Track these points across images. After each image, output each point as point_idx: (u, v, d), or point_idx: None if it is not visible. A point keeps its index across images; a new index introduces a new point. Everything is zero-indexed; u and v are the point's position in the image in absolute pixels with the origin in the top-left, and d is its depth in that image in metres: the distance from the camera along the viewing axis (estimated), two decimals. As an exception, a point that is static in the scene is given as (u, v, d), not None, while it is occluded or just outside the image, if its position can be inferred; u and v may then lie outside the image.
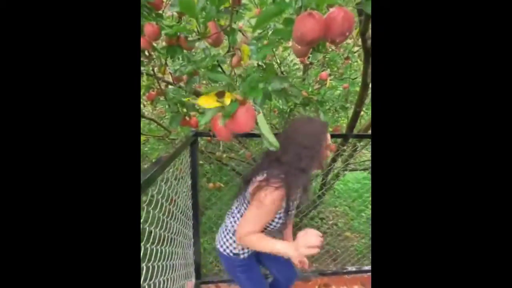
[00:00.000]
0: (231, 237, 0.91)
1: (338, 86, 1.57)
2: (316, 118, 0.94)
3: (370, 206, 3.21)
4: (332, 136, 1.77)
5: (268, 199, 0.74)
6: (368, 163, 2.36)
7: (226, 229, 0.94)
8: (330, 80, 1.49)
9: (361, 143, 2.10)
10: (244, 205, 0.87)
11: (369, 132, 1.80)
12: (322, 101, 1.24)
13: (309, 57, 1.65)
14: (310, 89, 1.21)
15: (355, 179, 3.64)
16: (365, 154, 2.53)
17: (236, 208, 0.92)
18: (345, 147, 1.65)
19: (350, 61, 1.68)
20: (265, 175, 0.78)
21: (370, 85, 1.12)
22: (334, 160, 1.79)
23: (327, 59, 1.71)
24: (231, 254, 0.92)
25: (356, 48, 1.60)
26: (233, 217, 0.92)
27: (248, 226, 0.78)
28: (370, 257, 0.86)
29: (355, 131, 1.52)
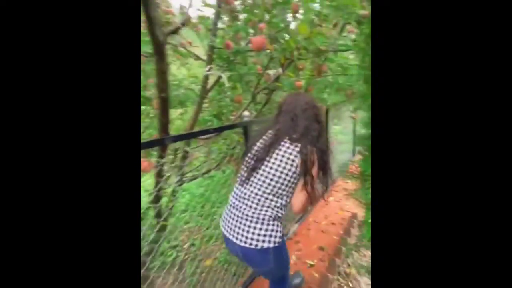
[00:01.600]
0: (272, 224, 0.87)
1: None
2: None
3: (220, 206, 3.12)
4: (149, 144, 1.24)
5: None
6: (206, 165, 2.10)
7: (262, 223, 0.86)
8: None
9: (190, 147, 1.77)
10: (271, 189, 0.87)
11: (196, 129, 1.46)
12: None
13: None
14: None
15: (196, 184, 3.37)
16: (198, 157, 2.27)
17: (256, 197, 0.88)
18: (164, 158, 1.18)
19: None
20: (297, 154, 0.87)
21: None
22: (160, 175, 1.28)
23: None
24: (280, 240, 0.88)
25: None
26: (259, 205, 0.87)
27: (306, 198, 0.87)
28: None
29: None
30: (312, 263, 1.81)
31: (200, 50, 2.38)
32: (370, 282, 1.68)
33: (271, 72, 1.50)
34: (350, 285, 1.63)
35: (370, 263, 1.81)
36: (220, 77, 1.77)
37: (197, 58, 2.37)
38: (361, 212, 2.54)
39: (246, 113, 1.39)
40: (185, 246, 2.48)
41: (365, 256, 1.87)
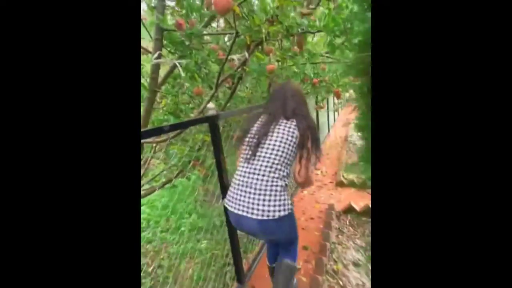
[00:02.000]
0: (284, 194, 0.93)
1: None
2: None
3: (188, 215, 2.79)
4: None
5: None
6: (166, 174, 1.77)
7: (275, 194, 0.92)
8: None
9: (144, 153, 1.45)
10: (278, 159, 0.94)
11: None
12: None
13: None
14: None
15: (158, 196, 2.97)
16: (156, 164, 1.92)
17: (267, 169, 0.93)
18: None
19: None
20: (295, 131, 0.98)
21: None
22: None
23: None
24: (291, 207, 0.94)
25: None
26: (269, 177, 0.93)
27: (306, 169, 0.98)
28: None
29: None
30: (298, 266, 1.66)
31: (148, 43, 2.03)
32: (358, 276, 1.60)
33: (236, 57, 1.28)
34: (341, 283, 1.53)
35: (354, 256, 1.74)
36: (174, 67, 1.48)
37: (145, 51, 2.01)
38: (337, 202, 2.51)
39: (210, 105, 1.15)
40: (150, 269, 2.12)
41: (349, 248, 1.80)
